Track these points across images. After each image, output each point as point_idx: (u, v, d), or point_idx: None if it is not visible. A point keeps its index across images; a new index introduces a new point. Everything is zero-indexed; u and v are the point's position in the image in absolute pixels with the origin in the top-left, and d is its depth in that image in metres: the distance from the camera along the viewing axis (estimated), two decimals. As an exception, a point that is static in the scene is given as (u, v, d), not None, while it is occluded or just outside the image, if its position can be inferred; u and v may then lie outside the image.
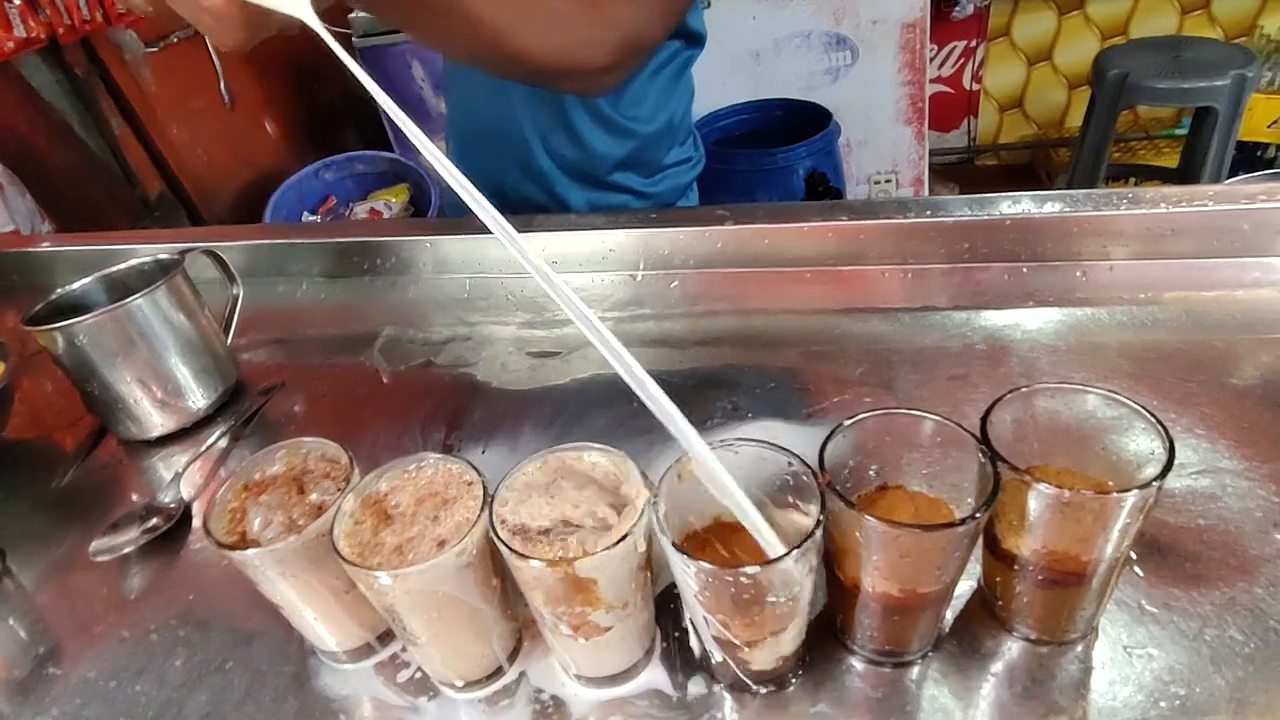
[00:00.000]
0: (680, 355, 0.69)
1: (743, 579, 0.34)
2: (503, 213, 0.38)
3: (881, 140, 2.28)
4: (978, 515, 0.35)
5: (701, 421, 0.61)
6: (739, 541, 0.40)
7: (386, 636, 0.48)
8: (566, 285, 0.36)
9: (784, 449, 0.39)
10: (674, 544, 0.35)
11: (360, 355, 0.79)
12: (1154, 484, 0.35)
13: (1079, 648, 0.42)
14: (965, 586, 0.46)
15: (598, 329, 0.35)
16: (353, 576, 0.39)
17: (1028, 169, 2.83)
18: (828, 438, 0.39)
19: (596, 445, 0.42)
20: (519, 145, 0.90)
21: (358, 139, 2.68)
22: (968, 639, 0.43)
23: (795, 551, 0.33)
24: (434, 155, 0.38)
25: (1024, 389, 0.40)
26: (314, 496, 0.44)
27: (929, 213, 0.70)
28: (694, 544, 0.40)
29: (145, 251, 0.74)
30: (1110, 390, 0.39)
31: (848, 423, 0.39)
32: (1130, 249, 0.67)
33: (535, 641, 0.46)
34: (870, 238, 0.71)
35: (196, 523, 0.61)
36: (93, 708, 0.49)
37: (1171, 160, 2.46)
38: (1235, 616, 0.42)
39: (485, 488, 0.41)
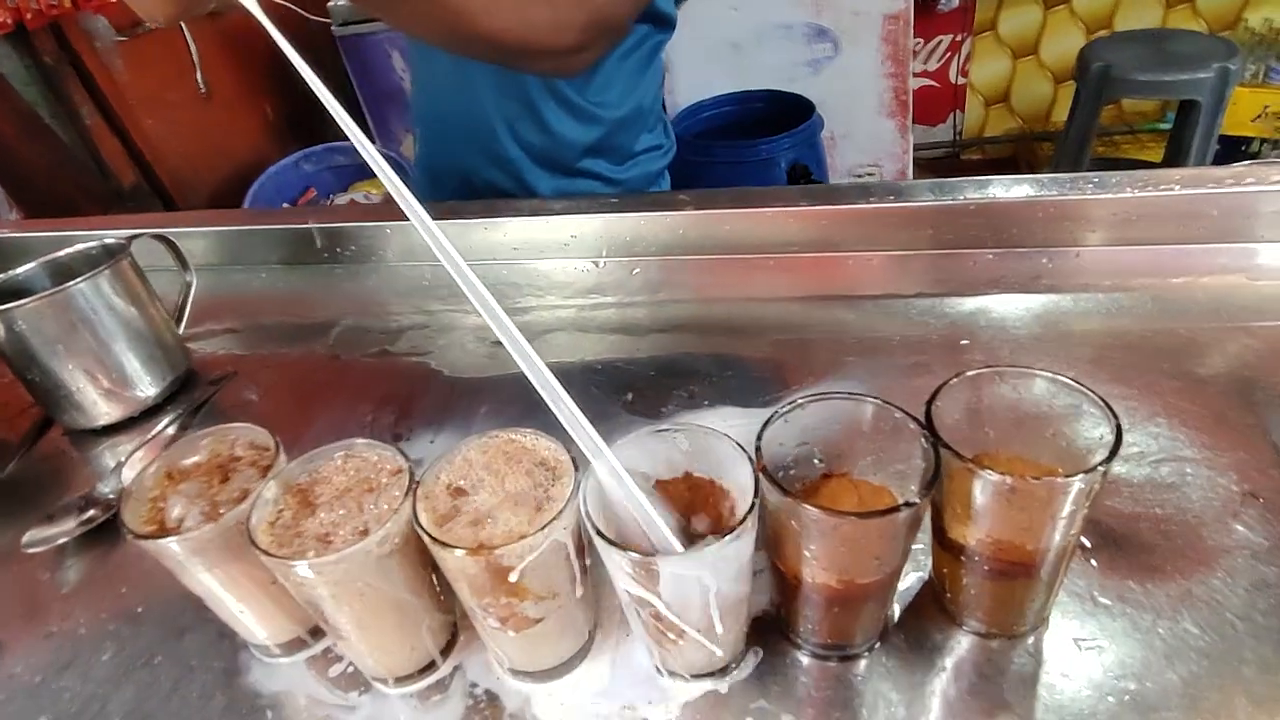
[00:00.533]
0: (639, 343, 0.68)
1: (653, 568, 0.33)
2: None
3: (865, 133, 2.27)
4: (915, 502, 0.33)
5: (658, 409, 0.60)
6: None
7: (319, 630, 0.46)
8: (480, 282, 0.34)
9: (725, 435, 0.38)
10: (598, 531, 0.33)
11: (316, 344, 0.77)
12: (1099, 469, 0.33)
13: (1029, 640, 0.41)
14: (915, 579, 0.44)
15: (503, 322, 0.34)
16: (269, 567, 0.37)
17: (1012, 163, 2.83)
18: (766, 423, 0.37)
19: (536, 430, 0.41)
20: (486, 133, 0.88)
21: (339, 130, 2.64)
22: (916, 632, 0.42)
23: (718, 543, 0.32)
24: (363, 145, 0.36)
25: (970, 373, 0.38)
26: (238, 484, 0.42)
27: (892, 198, 0.68)
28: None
29: (98, 238, 0.72)
30: (1057, 374, 0.37)
31: (786, 408, 0.38)
32: (1098, 235, 0.66)
33: (471, 634, 0.45)
34: (833, 224, 0.69)
35: (135, 514, 0.59)
36: (16, 703, 0.47)
37: (1156, 154, 2.46)
38: (1191, 609, 0.41)
39: (412, 475, 0.39)
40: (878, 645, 0.42)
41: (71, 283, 0.64)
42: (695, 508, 0.39)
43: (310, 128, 2.53)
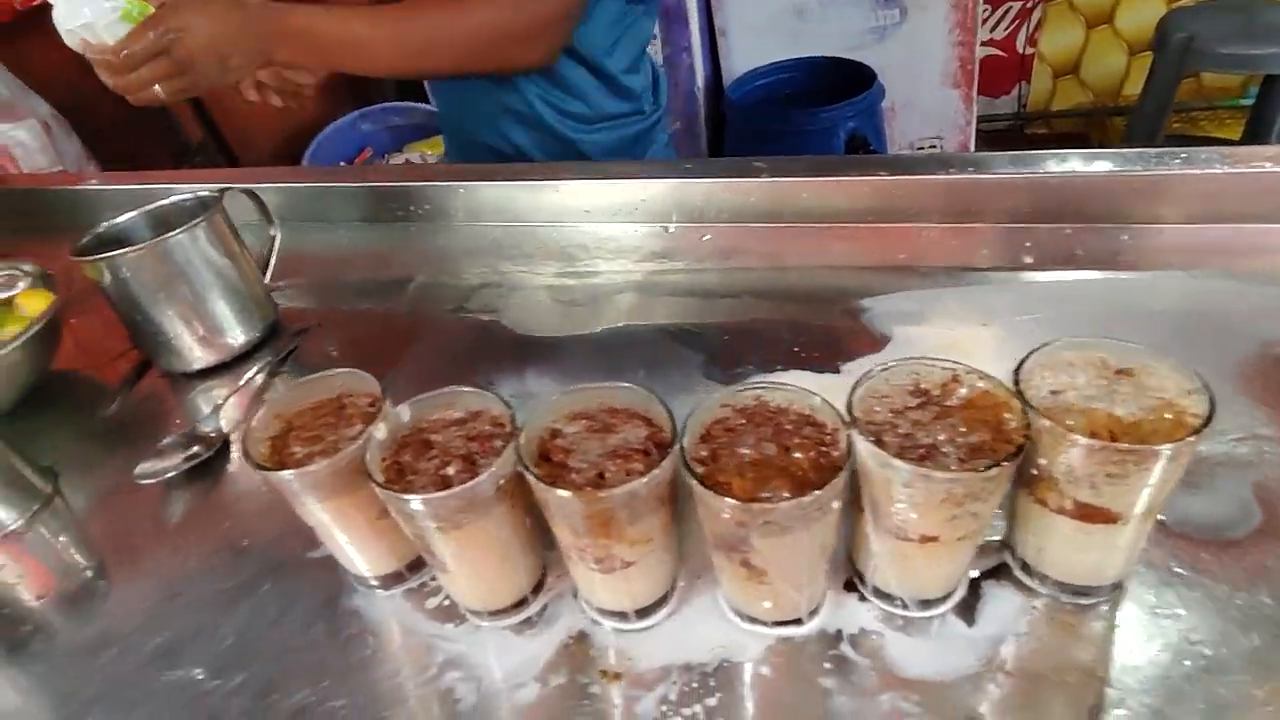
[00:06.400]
0: (711, 307, 0.69)
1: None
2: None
3: (927, 104, 2.21)
4: (996, 468, 0.34)
5: (734, 371, 0.61)
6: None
7: (417, 565, 0.49)
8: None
9: (812, 392, 0.39)
10: (698, 478, 0.35)
11: (393, 300, 0.80)
12: (1190, 437, 0.34)
13: (1104, 607, 0.42)
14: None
15: None
16: (384, 500, 0.39)
17: (1080, 138, 2.73)
18: (855, 385, 0.39)
19: (631, 385, 0.42)
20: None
21: (396, 90, 2.67)
22: (991, 593, 0.43)
23: (813, 495, 0.33)
24: None
25: (1058, 341, 0.39)
26: (349, 425, 0.45)
27: (971, 169, 0.68)
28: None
29: (187, 191, 0.76)
30: (1148, 349, 0.38)
31: (878, 369, 0.39)
32: (1174, 211, 0.65)
33: (558, 574, 0.47)
34: (907, 194, 0.69)
35: (235, 453, 0.63)
36: (135, 619, 0.51)
37: (1234, 132, 2.36)
38: (1267, 582, 0.41)
39: (514, 419, 0.41)
40: (955, 599, 0.43)
41: (174, 232, 0.67)
42: None
43: (366, 87, 2.56)
